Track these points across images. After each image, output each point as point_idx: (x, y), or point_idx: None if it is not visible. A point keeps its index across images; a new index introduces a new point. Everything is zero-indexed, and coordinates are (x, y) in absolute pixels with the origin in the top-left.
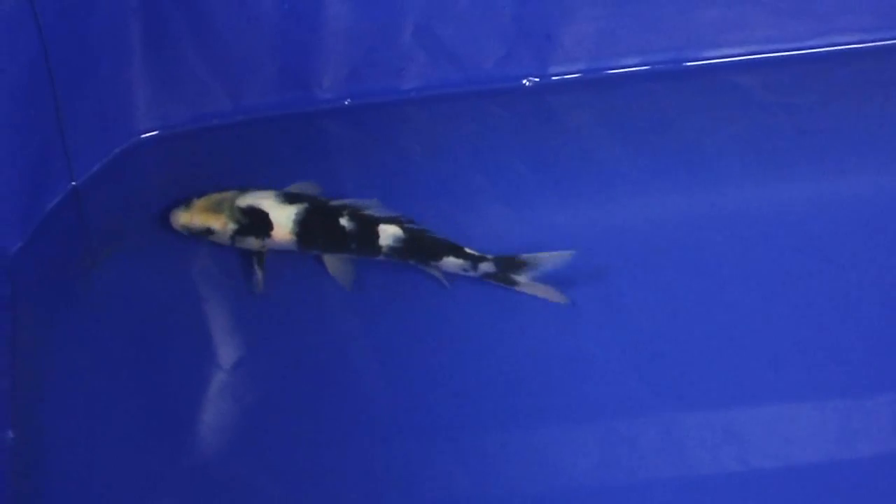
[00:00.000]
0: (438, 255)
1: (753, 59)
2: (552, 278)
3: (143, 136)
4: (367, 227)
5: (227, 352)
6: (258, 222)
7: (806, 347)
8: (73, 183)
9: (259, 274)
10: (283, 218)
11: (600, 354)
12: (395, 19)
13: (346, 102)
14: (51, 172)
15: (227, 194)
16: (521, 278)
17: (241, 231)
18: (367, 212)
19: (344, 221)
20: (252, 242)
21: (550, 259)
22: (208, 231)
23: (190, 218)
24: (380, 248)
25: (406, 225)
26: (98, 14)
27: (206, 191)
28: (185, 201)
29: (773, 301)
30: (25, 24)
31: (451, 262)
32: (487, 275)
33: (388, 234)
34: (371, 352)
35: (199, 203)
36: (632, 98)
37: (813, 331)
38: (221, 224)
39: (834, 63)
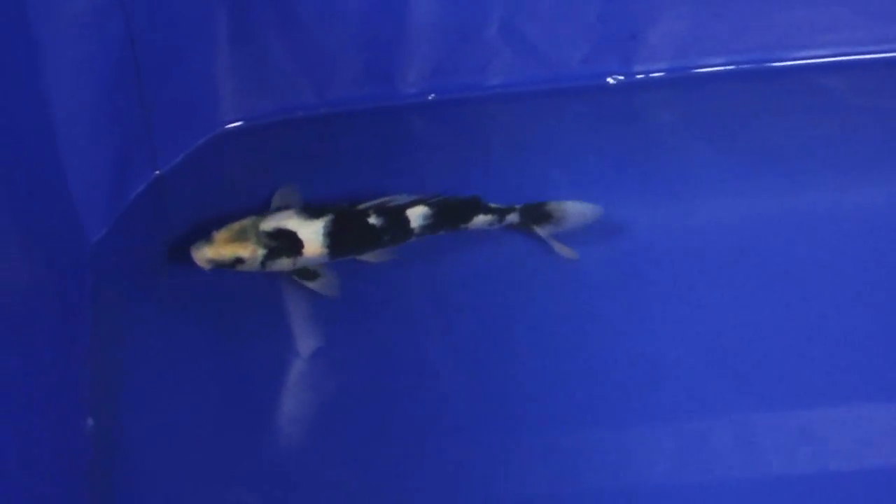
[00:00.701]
0: (468, 218)
1: (840, 60)
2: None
3: (227, 126)
4: (397, 217)
5: (305, 343)
6: (287, 242)
7: (886, 350)
8: (157, 172)
9: (319, 282)
10: (311, 233)
11: (678, 354)
12: (481, 15)
13: (430, 97)
14: (135, 162)
15: (246, 222)
16: (544, 229)
17: (272, 254)
18: (390, 204)
19: (373, 220)
20: (284, 263)
21: (576, 210)
22: (238, 261)
23: (216, 251)
24: (412, 231)
25: (430, 201)
26: (185, 4)
27: (290, 181)
28: (204, 237)
29: (854, 303)
30: (113, 14)
31: (480, 221)
32: (513, 224)
33: (417, 215)
34: (449, 347)
35: (222, 235)
36: (716, 98)
37: (894, 334)
38: (250, 251)
39: None
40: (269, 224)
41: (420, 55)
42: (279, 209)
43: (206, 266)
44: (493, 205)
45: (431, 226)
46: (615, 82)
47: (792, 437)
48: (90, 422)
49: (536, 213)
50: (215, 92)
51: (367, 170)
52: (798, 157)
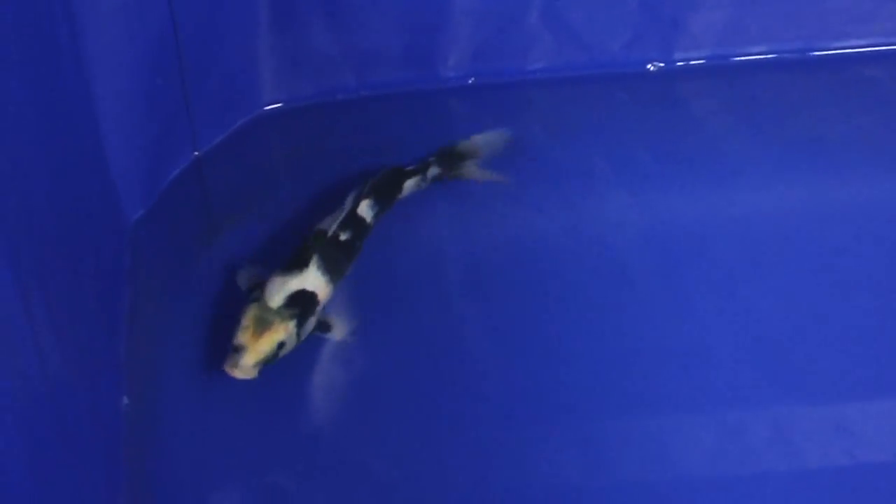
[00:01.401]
0: (399, 187)
1: (882, 50)
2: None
3: (267, 108)
4: (356, 221)
5: (341, 323)
6: (304, 301)
7: None
8: (196, 153)
9: (336, 329)
10: (315, 280)
11: (716, 345)
12: (523, 0)
13: (471, 81)
14: (175, 142)
15: (251, 313)
16: (466, 168)
17: (301, 321)
18: (347, 209)
19: (343, 237)
20: (311, 323)
21: (486, 141)
22: (280, 347)
23: (257, 352)
24: (370, 225)
25: (365, 191)
26: None
27: (329, 163)
28: (232, 352)
29: (894, 297)
30: None
31: (410, 186)
32: (437, 177)
33: (366, 209)
34: (487, 331)
35: (246, 337)
36: (757, 86)
37: None
38: (285, 330)
39: None
40: (277, 297)
41: (461, 39)
42: (258, 285)
43: (254, 373)
44: (410, 167)
45: (378, 212)
46: (655, 69)
47: (828, 431)
48: (126, 401)
49: (452, 157)
50: (256, 73)
51: (406, 153)
52: (839, 146)
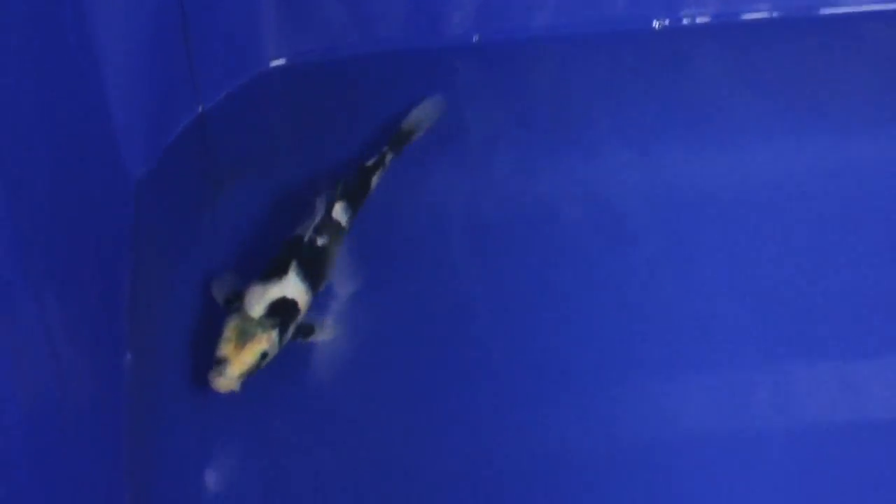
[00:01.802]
0: (368, 183)
1: (889, 9)
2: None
3: (271, 64)
4: (332, 225)
5: (343, 283)
6: (284, 309)
7: None
8: (200, 110)
9: (319, 332)
10: (294, 287)
11: (720, 301)
12: None
13: (475, 39)
14: (178, 99)
15: (232, 324)
16: (413, 139)
17: (283, 329)
18: (320, 214)
19: (321, 241)
20: (292, 330)
21: (426, 111)
22: (263, 357)
23: (241, 363)
24: (346, 227)
25: (337, 193)
26: None
27: (333, 119)
28: (215, 364)
29: None
30: None
31: (376, 179)
32: (393, 159)
33: (340, 211)
34: (490, 289)
35: (228, 349)
36: (762, 45)
37: None
38: (268, 340)
39: None
40: (258, 307)
41: None
42: (235, 295)
43: (237, 385)
44: (371, 162)
45: (351, 215)
46: (661, 27)
47: (832, 388)
48: (129, 356)
49: (401, 139)
50: (259, 30)
51: (407, 110)
52: (844, 105)
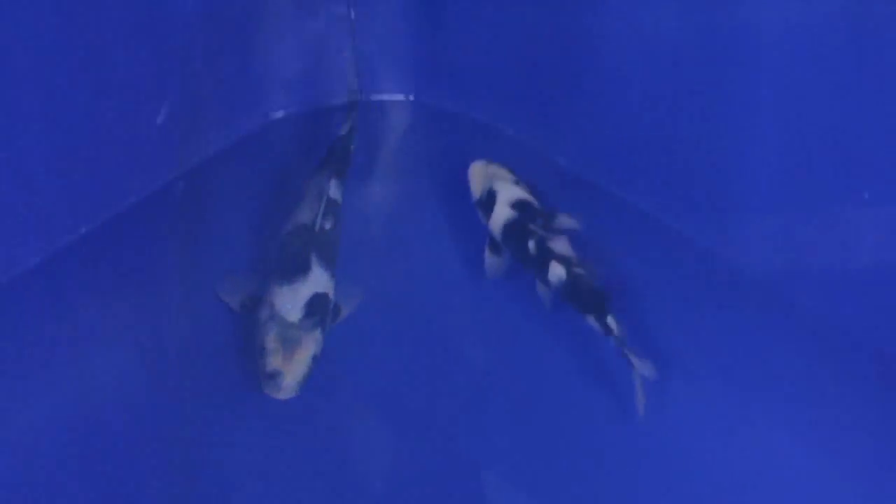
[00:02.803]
0: (349, 157)
1: None
2: None
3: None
4: (331, 203)
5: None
6: (323, 304)
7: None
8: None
9: (346, 310)
10: (320, 279)
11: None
12: None
13: None
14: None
15: (272, 333)
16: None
17: (322, 324)
18: (323, 197)
19: (327, 225)
20: (329, 319)
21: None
22: (314, 361)
23: (294, 375)
24: (339, 202)
25: (331, 171)
26: None
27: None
28: (268, 379)
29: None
30: None
31: (351, 148)
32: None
33: (335, 189)
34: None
35: (278, 361)
36: None
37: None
38: (314, 341)
39: None
40: (294, 311)
41: None
42: (250, 299)
43: (298, 389)
44: (343, 132)
45: (343, 190)
46: None
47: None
48: (181, 185)
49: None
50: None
51: None
52: None
